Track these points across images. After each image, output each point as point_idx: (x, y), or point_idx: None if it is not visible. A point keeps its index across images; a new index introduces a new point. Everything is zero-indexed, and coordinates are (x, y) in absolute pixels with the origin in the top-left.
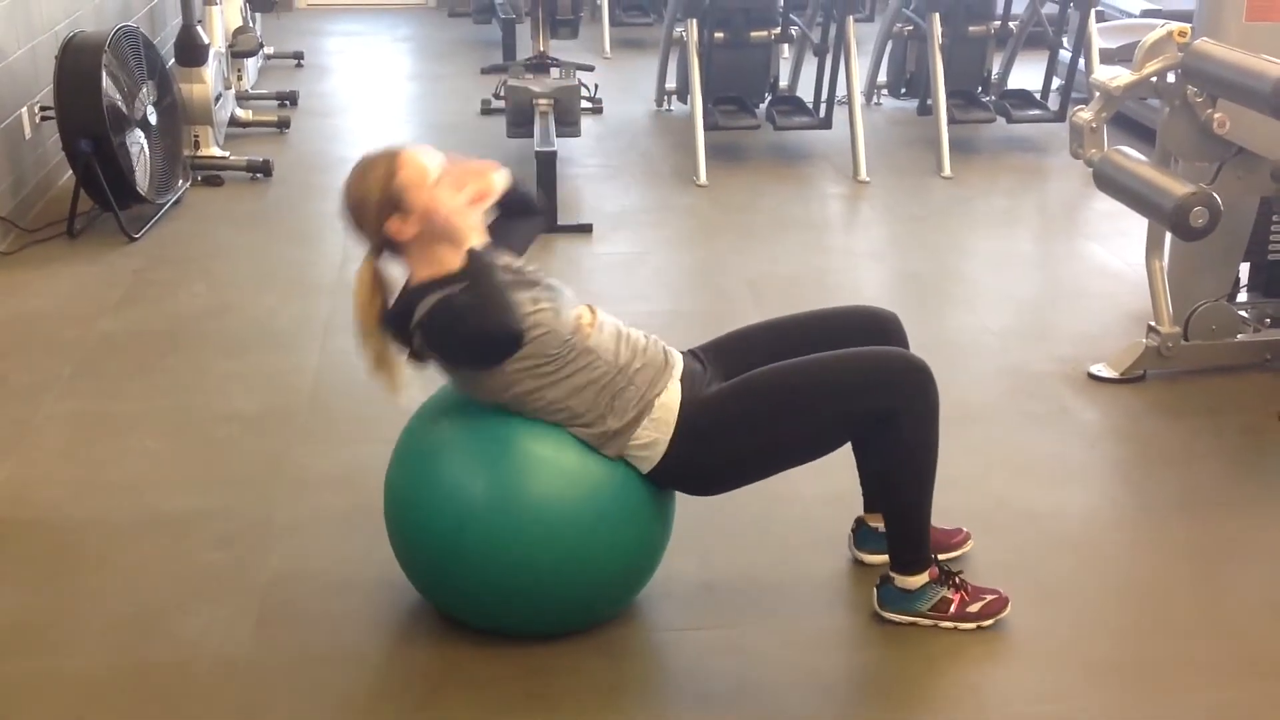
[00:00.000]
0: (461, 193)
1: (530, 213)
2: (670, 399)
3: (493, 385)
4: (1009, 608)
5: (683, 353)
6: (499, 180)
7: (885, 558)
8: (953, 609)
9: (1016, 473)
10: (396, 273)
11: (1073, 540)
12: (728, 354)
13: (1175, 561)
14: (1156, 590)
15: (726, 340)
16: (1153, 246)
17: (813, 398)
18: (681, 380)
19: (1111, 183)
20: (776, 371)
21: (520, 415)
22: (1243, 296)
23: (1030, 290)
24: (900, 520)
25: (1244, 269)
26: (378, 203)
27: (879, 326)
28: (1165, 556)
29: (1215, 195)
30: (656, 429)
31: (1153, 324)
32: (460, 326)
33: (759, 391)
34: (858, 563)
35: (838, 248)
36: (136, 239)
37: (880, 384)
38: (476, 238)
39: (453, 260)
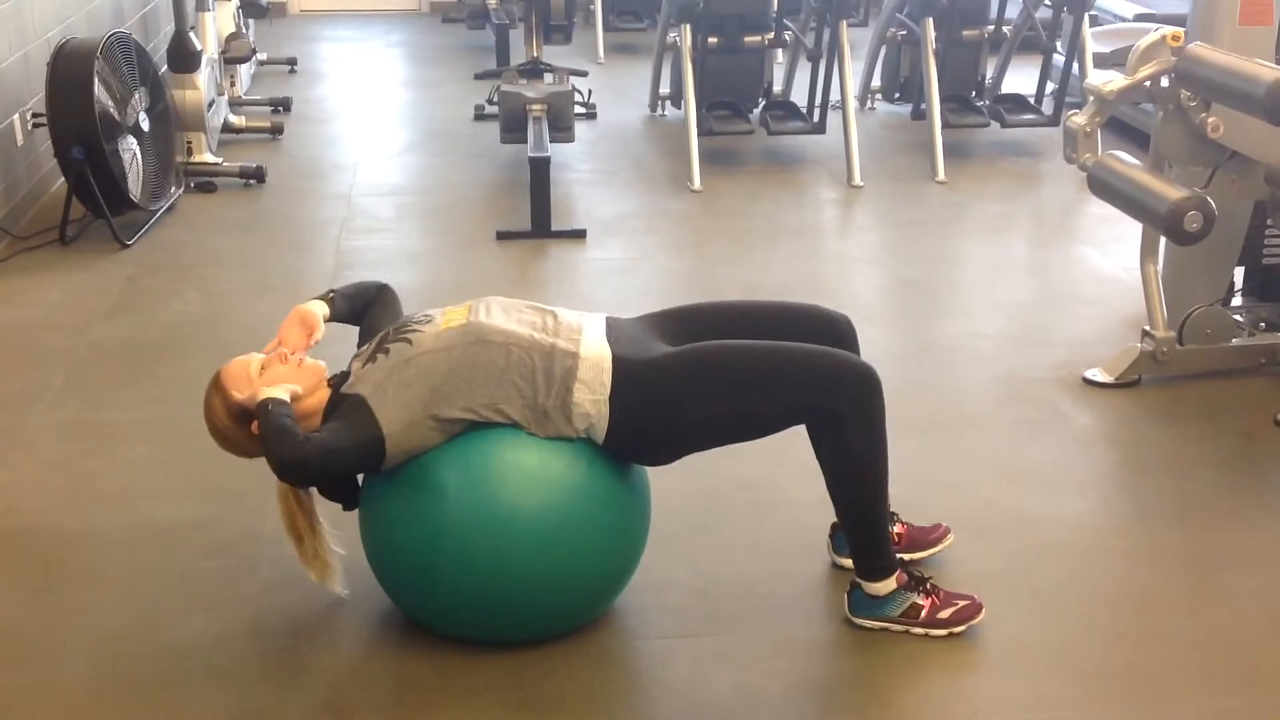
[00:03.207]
0: (289, 360)
1: (375, 298)
2: (594, 357)
3: (425, 430)
4: (983, 613)
5: (619, 319)
6: (315, 312)
7: None
8: (923, 615)
9: (1010, 479)
10: None
11: (1067, 547)
12: (675, 322)
13: (1171, 568)
14: (1152, 597)
15: (676, 310)
16: (1147, 251)
17: (756, 381)
18: (609, 338)
19: (1105, 187)
20: (726, 347)
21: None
22: (1238, 300)
23: (1025, 295)
24: (856, 528)
25: (1239, 273)
26: (234, 423)
27: (831, 329)
28: (1161, 563)
29: (1209, 199)
30: (591, 391)
31: (1148, 329)
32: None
33: (706, 362)
34: (836, 567)
35: (831, 253)
36: (129, 246)
37: (826, 383)
38: (263, 393)
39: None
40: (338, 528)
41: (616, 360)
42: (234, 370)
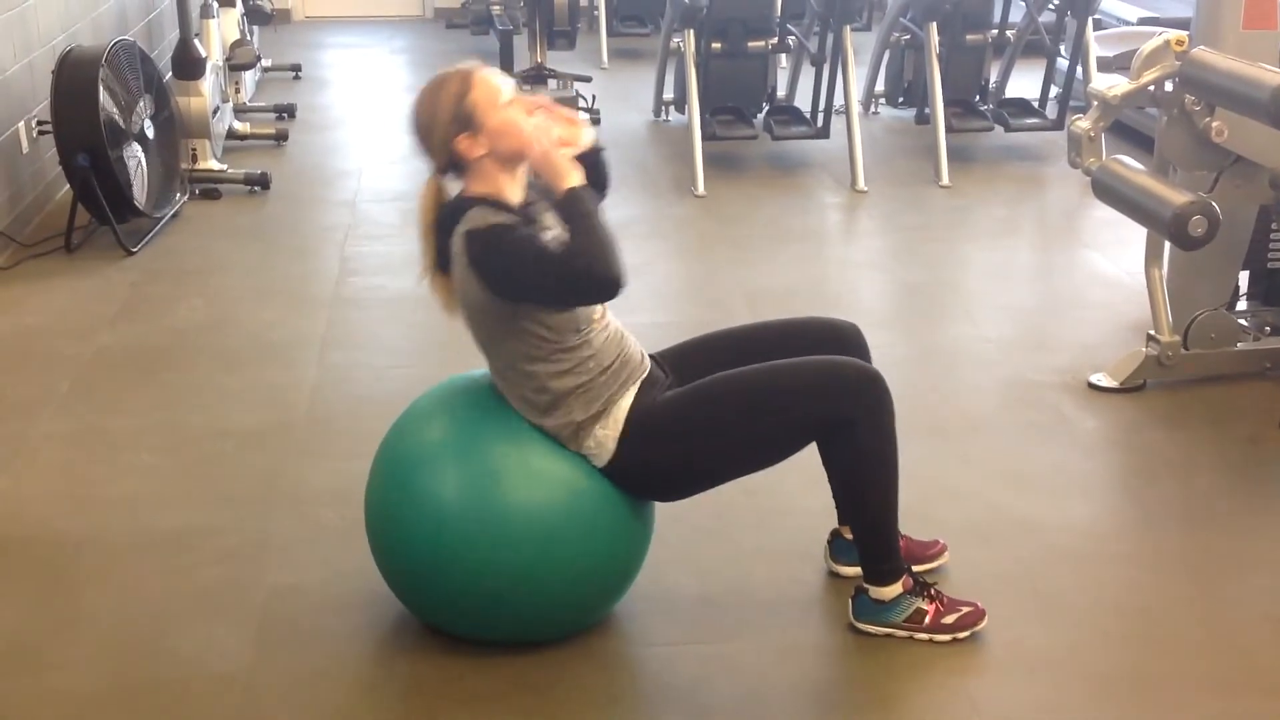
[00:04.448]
0: (533, 120)
1: (597, 185)
2: (625, 403)
3: (503, 330)
4: (985, 620)
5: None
6: (586, 135)
7: (860, 569)
8: (927, 620)
9: (1015, 483)
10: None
11: (1072, 551)
12: (687, 361)
13: (1176, 573)
14: (1157, 602)
15: (686, 347)
16: (1151, 255)
17: (763, 404)
18: (641, 385)
19: (1110, 191)
20: (728, 378)
21: (498, 380)
22: (1242, 305)
23: (1029, 300)
24: (867, 531)
25: (1243, 277)
26: (448, 120)
27: (839, 338)
28: (1165, 568)
29: (1213, 204)
30: (607, 428)
31: (1152, 333)
32: (556, 266)
33: (710, 398)
34: (834, 575)
35: (835, 258)
36: (134, 253)
37: (832, 392)
38: (576, 176)
39: (510, 188)
40: (346, 505)
41: (633, 407)
42: (491, 82)
